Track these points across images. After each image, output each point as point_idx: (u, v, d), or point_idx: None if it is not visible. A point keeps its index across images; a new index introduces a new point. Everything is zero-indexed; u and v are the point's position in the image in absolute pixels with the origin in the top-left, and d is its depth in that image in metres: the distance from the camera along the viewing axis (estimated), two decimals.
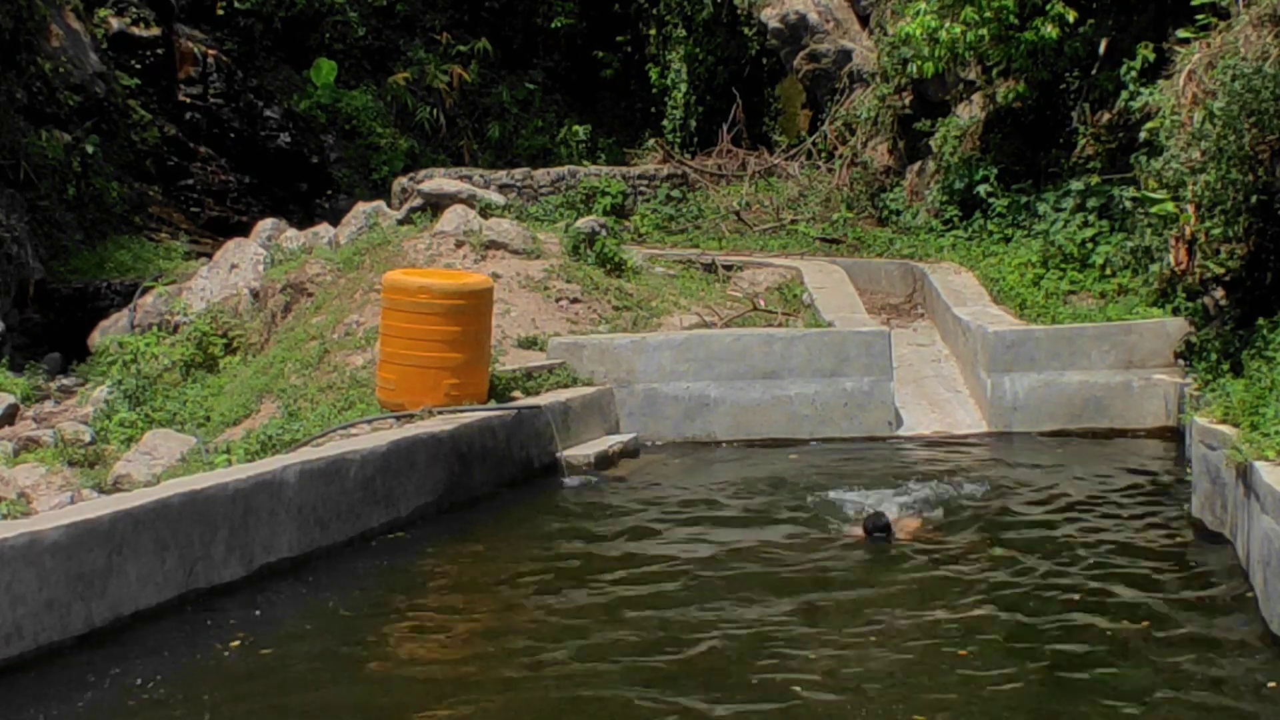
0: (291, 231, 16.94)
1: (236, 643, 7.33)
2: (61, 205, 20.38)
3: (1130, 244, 13.40)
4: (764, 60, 22.49)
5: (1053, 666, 6.76)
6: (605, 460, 11.49)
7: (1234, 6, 11.27)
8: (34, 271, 18.89)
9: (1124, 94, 14.99)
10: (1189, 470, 9.64)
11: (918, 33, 15.84)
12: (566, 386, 12.07)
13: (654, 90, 24.85)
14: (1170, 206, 11.56)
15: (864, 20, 20.99)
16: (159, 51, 23.91)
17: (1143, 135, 13.09)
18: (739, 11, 22.33)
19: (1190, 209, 11.29)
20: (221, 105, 24.30)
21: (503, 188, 19.48)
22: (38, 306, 18.80)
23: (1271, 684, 6.46)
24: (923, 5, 15.87)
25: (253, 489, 8.36)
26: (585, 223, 15.64)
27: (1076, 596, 7.79)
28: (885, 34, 18.85)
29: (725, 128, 22.03)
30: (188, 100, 24.10)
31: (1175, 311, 12.37)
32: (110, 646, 7.16)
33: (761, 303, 14.76)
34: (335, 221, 17.44)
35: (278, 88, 25.23)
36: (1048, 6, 15.35)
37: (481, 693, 6.64)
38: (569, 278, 14.16)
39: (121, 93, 22.63)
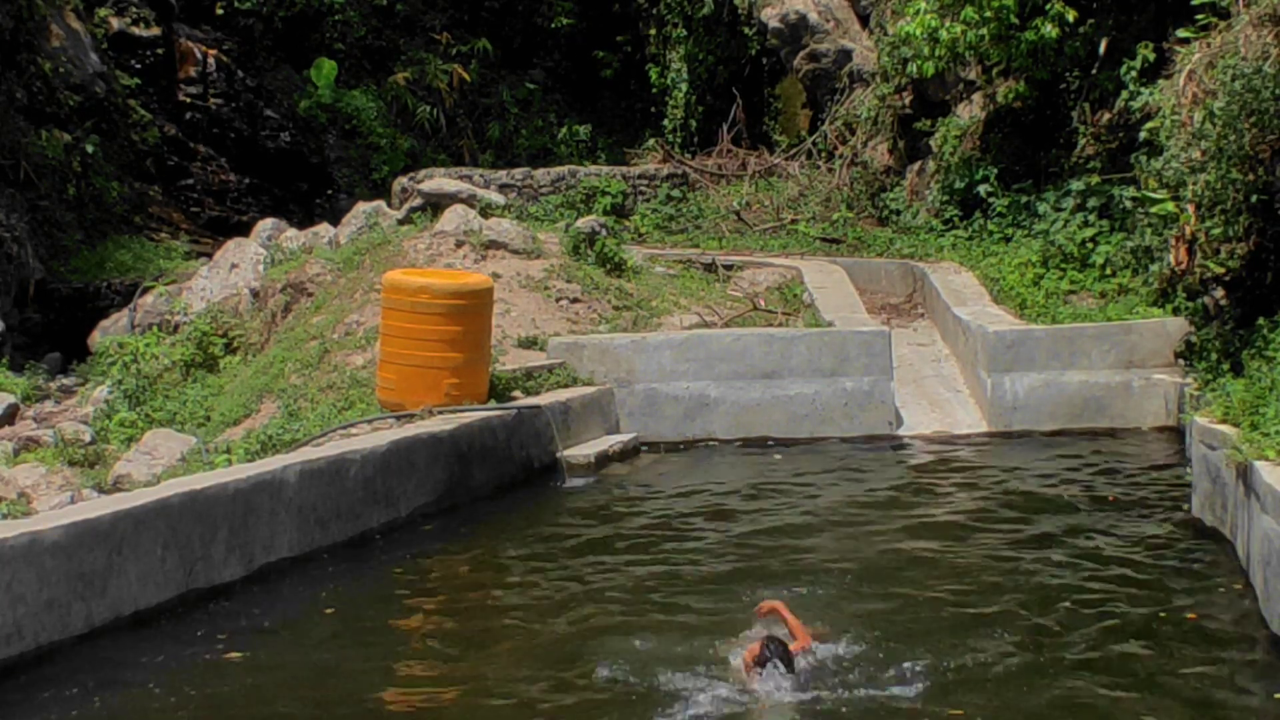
0: (291, 231, 16.93)
1: (236, 643, 7.33)
2: (61, 205, 20.37)
3: (1130, 244, 13.40)
4: (764, 60, 22.48)
5: (1053, 666, 6.75)
6: (605, 460, 11.48)
7: (1234, 6, 11.27)
8: (34, 271, 18.88)
9: (1124, 94, 14.99)
10: (1189, 470, 9.64)
11: (918, 32, 15.84)
12: (566, 386, 12.07)
13: (654, 90, 24.83)
14: (1170, 206, 11.56)
15: (864, 20, 20.98)
16: (159, 51, 23.90)
17: (1143, 135, 13.09)
18: (739, 11, 22.31)
19: (1190, 209, 11.29)
20: (221, 105, 24.28)
21: (503, 188, 19.47)
22: (38, 306, 18.79)
23: (1272, 684, 6.46)
24: (923, 5, 15.86)
25: (253, 489, 8.36)
26: (585, 223, 15.63)
27: (1076, 596, 7.79)
28: (885, 34, 18.84)
29: (725, 128, 22.01)
30: (188, 100, 24.09)
31: (1175, 311, 12.36)
32: (110, 646, 7.16)
33: (761, 303, 14.75)
34: (335, 221, 17.42)
35: (278, 88, 25.22)
36: (1048, 6, 15.35)
37: (480, 691, 6.64)
38: (569, 277, 14.16)
39: (121, 93, 22.62)
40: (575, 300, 13.81)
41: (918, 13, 15.88)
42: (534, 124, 26.82)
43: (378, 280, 12.32)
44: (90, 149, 21.03)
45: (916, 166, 18.63)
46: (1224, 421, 8.81)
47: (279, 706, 6.54)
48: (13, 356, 16.37)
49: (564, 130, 26.57)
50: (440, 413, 10.51)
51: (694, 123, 23.52)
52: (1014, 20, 15.40)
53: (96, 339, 16.23)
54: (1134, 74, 14.80)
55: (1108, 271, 13.71)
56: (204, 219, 23.55)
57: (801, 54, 20.93)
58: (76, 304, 18.76)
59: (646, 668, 6.79)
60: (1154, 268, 12.76)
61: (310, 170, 24.89)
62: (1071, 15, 15.25)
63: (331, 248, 15.54)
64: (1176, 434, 11.57)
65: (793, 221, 19.05)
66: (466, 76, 26.50)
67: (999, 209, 16.03)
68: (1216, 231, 11.06)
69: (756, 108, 22.47)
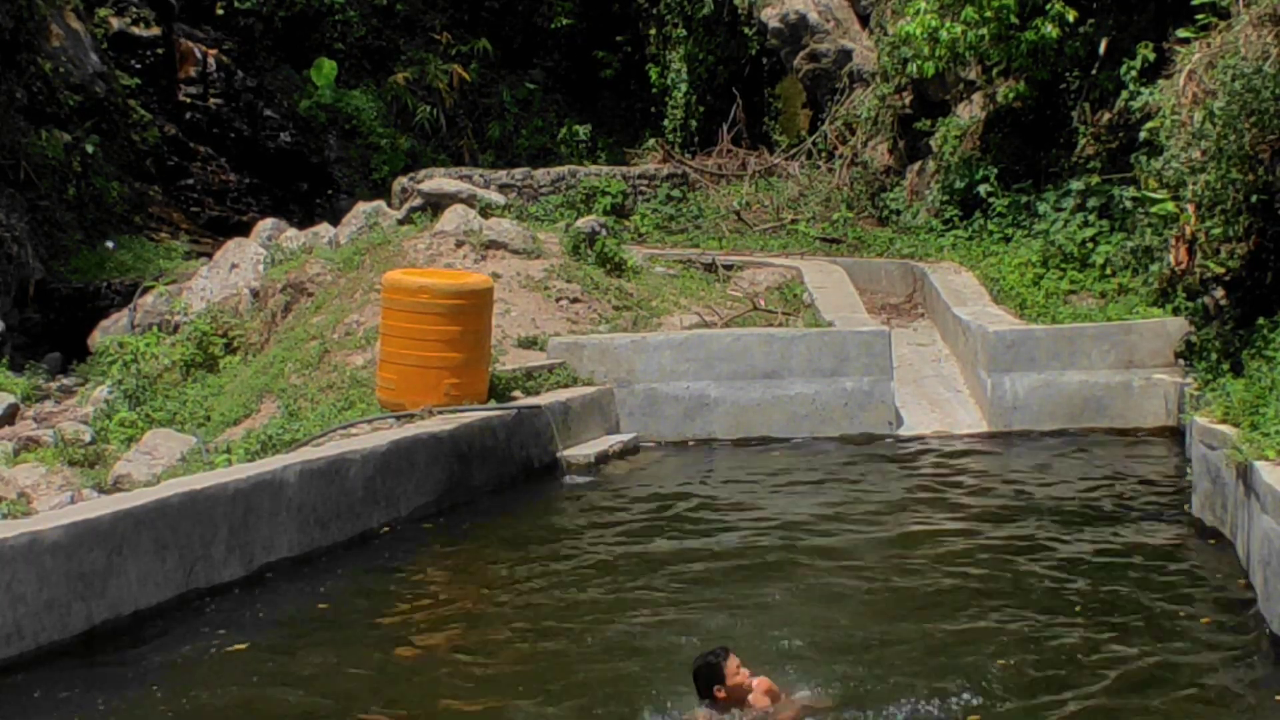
0: (292, 231, 16.94)
1: (236, 642, 7.33)
2: (61, 205, 20.37)
3: (1130, 244, 13.41)
4: (764, 60, 22.48)
5: (1052, 666, 6.75)
6: (605, 460, 11.49)
7: (1234, 6, 11.28)
8: (34, 271, 18.89)
9: (1124, 94, 14.99)
10: (1189, 470, 9.65)
11: (918, 32, 15.84)
12: (566, 386, 12.07)
13: (654, 90, 24.84)
14: (1170, 206, 11.57)
15: (864, 20, 20.98)
16: (159, 51, 23.91)
17: (1143, 135, 13.10)
18: (739, 11, 22.32)
19: (1190, 209, 11.30)
20: (221, 105, 24.29)
21: (503, 188, 19.47)
22: (38, 306, 18.80)
23: (1273, 684, 6.46)
24: (923, 5, 15.86)
25: (253, 489, 8.36)
26: (585, 222, 15.64)
27: (1075, 596, 7.79)
28: (885, 33, 18.85)
29: (725, 128, 22.02)
30: (188, 100, 24.10)
31: (1175, 311, 12.37)
32: (110, 646, 7.16)
33: (761, 302, 14.75)
34: (335, 221, 17.43)
35: (278, 88, 25.23)
36: (1048, 6, 15.35)
37: (479, 690, 6.64)
38: (569, 277, 14.16)
39: (121, 93, 22.62)
40: (575, 300, 13.81)
41: (918, 13, 15.89)
42: (534, 124, 26.83)
43: (378, 280, 12.33)
44: (90, 149, 21.03)
45: (916, 166, 18.63)
46: (1224, 421, 8.81)
47: (278, 707, 6.54)
48: (13, 356, 16.38)
49: (564, 130, 26.58)
50: (440, 413, 10.52)
51: (694, 123, 23.53)
52: (1014, 20, 15.41)
53: (96, 339, 16.23)
54: (1134, 74, 14.81)
55: (1108, 271, 13.72)
56: (204, 219, 23.55)
57: (801, 54, 20.94)
58: (76, 304, 18.76)
59: (647, 669, 6.79)
60: (1154, 268, 12.77)
61: (310, 170, 24.90)
62: (1071, 15, 15.26)
63: (331, 248, 15.54)
64: (1176, 434, 11.57)
65: (793, 221, 19.06)
66: (466, 76, 26.50)
67: (999, 209, 16.04)
68: (1216, 231, 11.06)
69: (756, 108, 22.48)
